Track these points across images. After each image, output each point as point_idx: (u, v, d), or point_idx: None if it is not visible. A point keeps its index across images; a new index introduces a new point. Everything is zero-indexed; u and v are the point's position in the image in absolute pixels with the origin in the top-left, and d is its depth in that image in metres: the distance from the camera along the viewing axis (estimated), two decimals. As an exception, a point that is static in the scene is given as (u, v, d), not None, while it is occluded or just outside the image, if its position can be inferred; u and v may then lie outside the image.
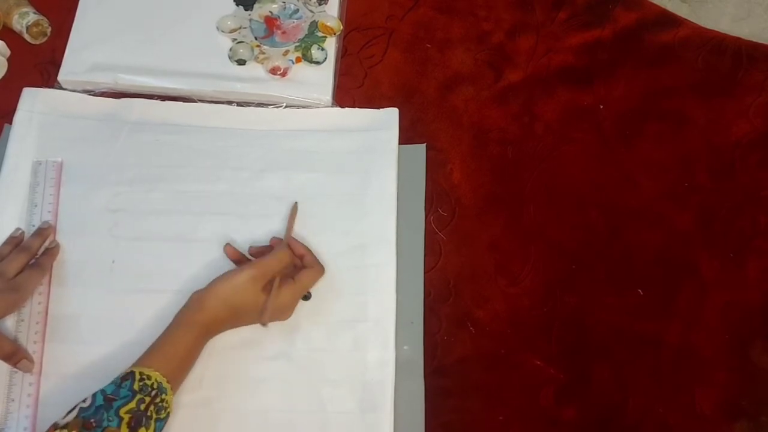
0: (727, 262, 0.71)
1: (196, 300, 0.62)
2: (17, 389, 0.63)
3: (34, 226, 0.69)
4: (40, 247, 0.68)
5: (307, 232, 0.71)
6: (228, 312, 0.62)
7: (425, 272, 0.70)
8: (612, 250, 0.72)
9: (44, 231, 0.69)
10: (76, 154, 0.73)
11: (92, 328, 0.66)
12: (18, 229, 0.69)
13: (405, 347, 0.67)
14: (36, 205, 0.71)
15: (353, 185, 0.73)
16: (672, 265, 0.71)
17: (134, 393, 0.54)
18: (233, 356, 0.66)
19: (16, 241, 0.68)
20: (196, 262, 0.69)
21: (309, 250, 0.68)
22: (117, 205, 0.71)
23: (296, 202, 0.71)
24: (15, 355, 0.63)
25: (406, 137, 0.76)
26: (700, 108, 0.78)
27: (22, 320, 0.65)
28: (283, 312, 0.64)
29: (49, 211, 0.70)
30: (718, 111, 0.78)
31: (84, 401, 0.54)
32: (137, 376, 0.55)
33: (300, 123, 0.77)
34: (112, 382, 0.55)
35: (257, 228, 0.71)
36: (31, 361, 0.64)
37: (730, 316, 0.69)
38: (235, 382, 0.65)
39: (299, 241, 0.68)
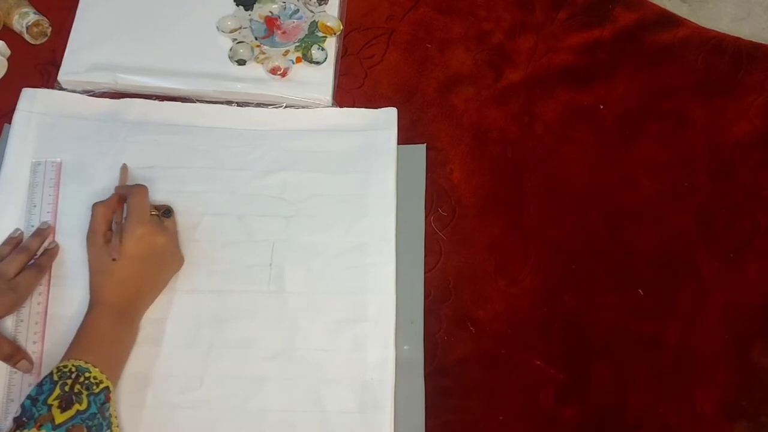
0: (727, 262, 0.71)
1: (90, 291, 0.63)
2: (16, 389, 0.63)
3: (33, 226, 0.69)
4: (40, 247, 0.68)
5: (306, 231, 0.71)
6: (109, 284, 0.62)
7: (425, 272, 0.70)
8: (612, 250, 0.72)
9: (43, 231, 0.69)
10: (76, 155, 0.73)
11: (92, 328, 0.66)
12: (17, 229, 0.69)
13: (405, 347, 0.67)
14: (35, 206, 0.71)
15: (353, 185, 0.73)
16: (672, 265, 0.71)
17: (55, 383, 0.55)
18: (233, 356, 0.66)
19: (15, 242, 0.68)
20: (194, 262, 0.69)
21: (123, 186, 0.68)
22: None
23: (125, 164, 0.71)
24: (14, 355, 0.63)
25: (406, 137, 0.76)
26: (700, 108, 0.78)
27: (22, 321, 0.65)
28: (147, 241, 0.63)
29: (49, 212, 0.70)
30: (718, 111, 0.78)
31: (15, 412, 0.55)
32: (54, 371, 0.57)
33: (300, 123, 0.77)
34: (35, 386, 0.56)
35: (257, 228, 0.71)
36: (31, 361, 0.64)
37: (730, 316, 0.69)
38: (235, 382, 0.65)
39: (123, 185, 0.69)
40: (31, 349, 0.65)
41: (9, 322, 0.65)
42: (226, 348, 0.66)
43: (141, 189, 0.66)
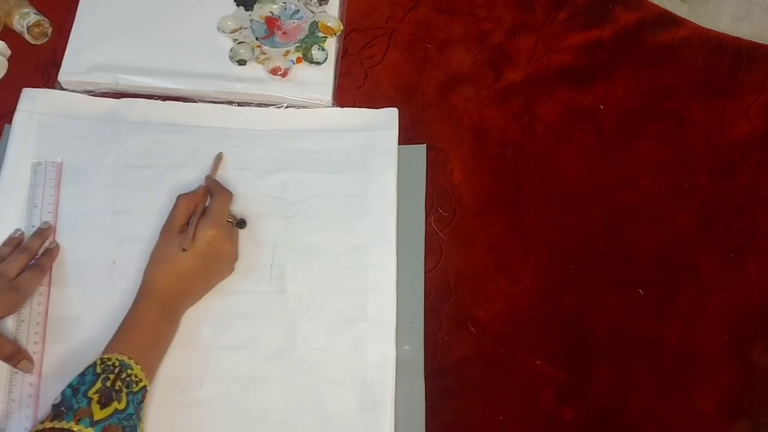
0: (727, 262, 0.71)
1: (143, 278, 0.64)
2: (17, 389, 0.63)
3: (33, 226, 0.69)
4: (40, 247, 0.68)
5: (307, 231, 0.71)
6: (168, 275, 0.63)
7: (426, 272, 0.70)
8: (612, 250, 0.72)
9: (44, 231, 0.69)
10: (77, 155, 0.73)
11: (93, 328, 0.66)
12: (18, 229, 0.69)
13: (405, 347, 0.67)
14: (36, 206, 0.71)
15: (353, 185, 0.73)
16: (672, 265, 0.71)
17: (97, 375, 0.56)
18: (233, 356, 0.66)
19: (15, 242, 0.68)
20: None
21: (213, 180, 0.70)
22: (118, 205, 0.71)
23: (221, 153, 0.73)
24: (15, 355, 0.63)
25: (406, 137, 0.76)
26: (700, 108, 0.78)
27: (23, 321, 0.66)
28: (216, 242, 0.64)
29: (49, 212, 0.70)
30: (718, 111, 0.78)
31: (55, 399, 0.55)
32: (98, 362, 0.57)
33: (300, 123, 0.77)
34: (77, 375, 0.56)
35: (257, 228, 0.71)
36: (32, 361, 0.64)
37: (730, 316, 0.69)
38: (235, 382, 0.65)
39: (214, 178, 0.70)
40: (32, 349, 0.65)
41: (10, 322, 0.65)
42: (226, 348, 0.66)
43: (227, 194, 0.68)
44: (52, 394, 0.62)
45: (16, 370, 0.63)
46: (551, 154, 0.76)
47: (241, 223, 0.70)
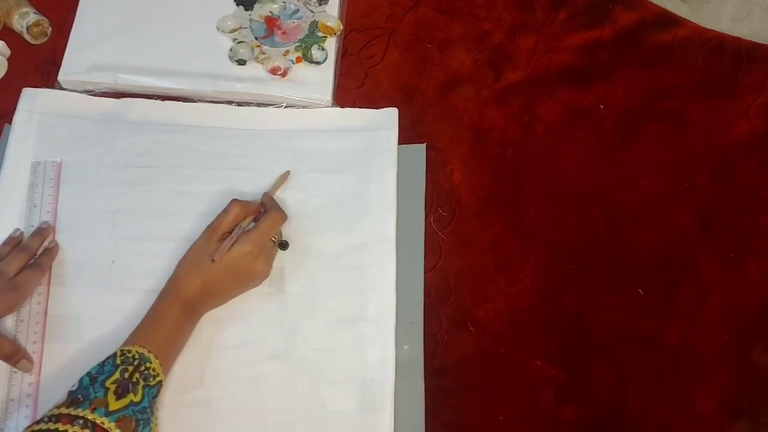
0: (727, 262, 0.71)
1: (173, 273, 0.64)
2: (17, 389, 0.63)
3: (33, 226, 0.69)
4: (40, 247, 0.68)
5: (307, 231, 0.71)
6: (195, 278, 0.63)
7: (425, 272, 0.70)
8: (612, 250, 0.72)
9: (43, 231, 0.69)
10: (76, 154, 0.73)
11: (92, 328, 0.66)
12: (17, 229, 0.69)
13: (405, 347, 0.67)
14: (35, 206, 0.71)
15: (353, 185, 0.73)
16: (672, 265, 0.71)
17: (117, 366, 0.56)
18: (233, 356, 0.66)
19: (15, 242, 0.68)
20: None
21: (272, 199, 0.69)
22: (117, 205, 0.71)
23: (288, 171, 0.73)
24: (14, 355, 0.63)
25: (406, 137, 0.76)
26: (700, 108, 0.78)
27: (22, 320, 0.65)
28: (249, 259, 0.64)
29: (49, 212, 0.70)
30: (718, 111, 0.78)
31: (72, 386, 0.55)
32: (118, 353, 0.57)
33: (300, 123, 0.77)
34: (97, 365, 0.57)
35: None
36: (31, 361, 0.64)
37: (730, 316, 0.69)
38: (235, 381, 0.65)
39: (272, 196, 0.70)
40: (31, 348, 0.65)
41: (9, 321, 0.65)
42: (226, 348, 0.66)
43: (280, 215, 0.67)
44: (51, 393, 0.63)
45: (15, 369, 0.63)
46: (551, 154, 0.76)
47: (284, 245, 0.69)
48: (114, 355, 0.57)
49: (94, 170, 0.73)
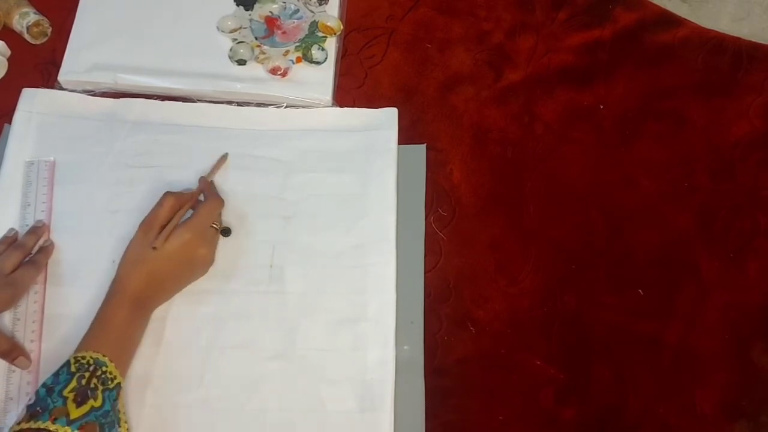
0: (727, 262, 0.71)
1: (116, 274, 0.63)
2: (15, 387, 0.63)
3: (27, 225, 0.70)
4: (35, 245, 0.68)
5: (307, 231, 0.71)
6: (140, 273, 0.62)
7: (425, 272, 0.70)
8: (612, 250, 0.72)
9: (38, 229, 0.69)
10: (76, 154, 0.73)
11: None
12: (12, 229, 0.69)
13: (405, 347, 0.67)
14: (29, 205, 0.71)
15: (353, 185, 0.73)
16: (672, 265, 0.71)
17: (72, 374, 0.56)
18: (233, 356, 0.66)
19: (10, 240, 0.68)
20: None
21: (209, 184, 0.69)
22: (117, 205, 0.71)
23: (227, 154, 0.73)
24: (12, 352, 0.63)
25: (406, 137, 0.76)
26: (700, 108, 0.78)
27: (18, 319, 0.66)
28: (190, 247, 0.64)
29: (43, 211, 0.70)
30: (718, 111, 0.78)
31: (29, 399, 0.55)
32: (72, 361, 0.57)
33: (300, 123, 0.77)
34: (51, 375, 0.56)
35: (257, 228, 0.71)
36: (28, 358, 0.64)
37: (730, 316, 0.69)
38: (235, 381, 0.65)
39: (209, 181, 0.70)
40: (29, 347, 0.65)
41: (6, 321, 0.65)
42: (226, 348, 0.66)
43: (218, 201, 0.68)
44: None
45: (13, 368, 0.63)
46: (551, 154, 0.76)
47: (226, 231, 0.69)
48: (68, 363, 0.57)
49: (94, 170, 0.73)
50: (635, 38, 0.82)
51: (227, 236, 0.69)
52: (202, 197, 0.69)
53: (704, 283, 0.70)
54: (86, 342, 0.59)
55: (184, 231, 0.64)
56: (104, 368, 0.57)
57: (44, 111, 0.75)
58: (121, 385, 0.58)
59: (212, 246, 0.67)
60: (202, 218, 0.65)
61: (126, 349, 0.61)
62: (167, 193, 0.66)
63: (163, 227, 0.64)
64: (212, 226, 0.67)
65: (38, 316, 0.66)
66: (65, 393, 0.54)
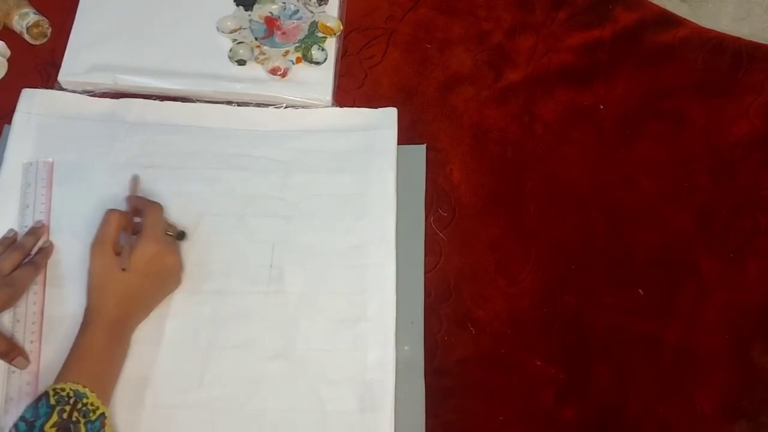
0: (727, 262, 0.71)
1: (86, 305, 0.62)
2: (15, 388, 0.63)
3: (26, 226, 0.70)
4: (34, 245, 0.68)
5: (306, 231, 0.71)
6: (111, 297, 0.61)
7: (426, 272, 0.70)
8: (612, 250, 0.72)
9: (37, 230, 0.69)
10: (75, 155, 0.73)
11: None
12: (11, 230, 0.69)
13: (405, 347, 0.67)
14: (28, 206, 0.70)
15: (353, 185, 0.73)
16: (672, 265, 0.71)
17: (52, 407, 0.54)
18: (233, 356, 0.66)
19: (9, 241, 0.68)
20: (194, 262, 0.69)
21: (139, 198, 0.68)
22: (116, 206, 0.71)
23: (137, 174, 0.71)
24: (10, 352, 0.63)
25: (406, 137, 0.76)
26: (700, 108, 0.78)
27: (18, 321, 0.66)
28: (158, 258, 0.63)
29: (42, 212, 0.70)
30: (718, 111, 0.78)
31: None
32: (51, 393, 0.55)
33: (299, 123, 0.77)
34: (29, 407, 0.55)
35: (257, 228, 0.71)
36: (27, 358, 0.64)
37: (730, 316, 0.69)
38: (235, 381, 0.65)
39: (138, 196, 0.69)
40: (29, 348, 0.65)
41: (6, 322, 0.65)
42: (226, 348, 0.66)
43: (157, 206, 0.66)
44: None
45: (13, 369, 0.63)
46: (551, 154, 0.76)
47: (181, 235, 0.69)
48: (46, 394, 0.55)
49: (94, 171, 0.73)
50: (635, 38, 0.82)
51: (183, 240, 0.69)
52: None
53: (704, 283, 0.70)
54: (65, 373, 0.58)
55: (145, 244, 0.63)
56: (85, 400, 0.56)
57: (44, 112, 0.75)
58: (106, 414, 0.57)
59: (177, 253, 0.66)
60: (153, 228, 0.64)
61: (107, 376, 0.60)
62: (110, 210, 0.65)
63: (115, 244, 0.63)
64: (168, 234, 0.66)
65: (38, 317, 0.66)
66: (46, 428, 0.53)
